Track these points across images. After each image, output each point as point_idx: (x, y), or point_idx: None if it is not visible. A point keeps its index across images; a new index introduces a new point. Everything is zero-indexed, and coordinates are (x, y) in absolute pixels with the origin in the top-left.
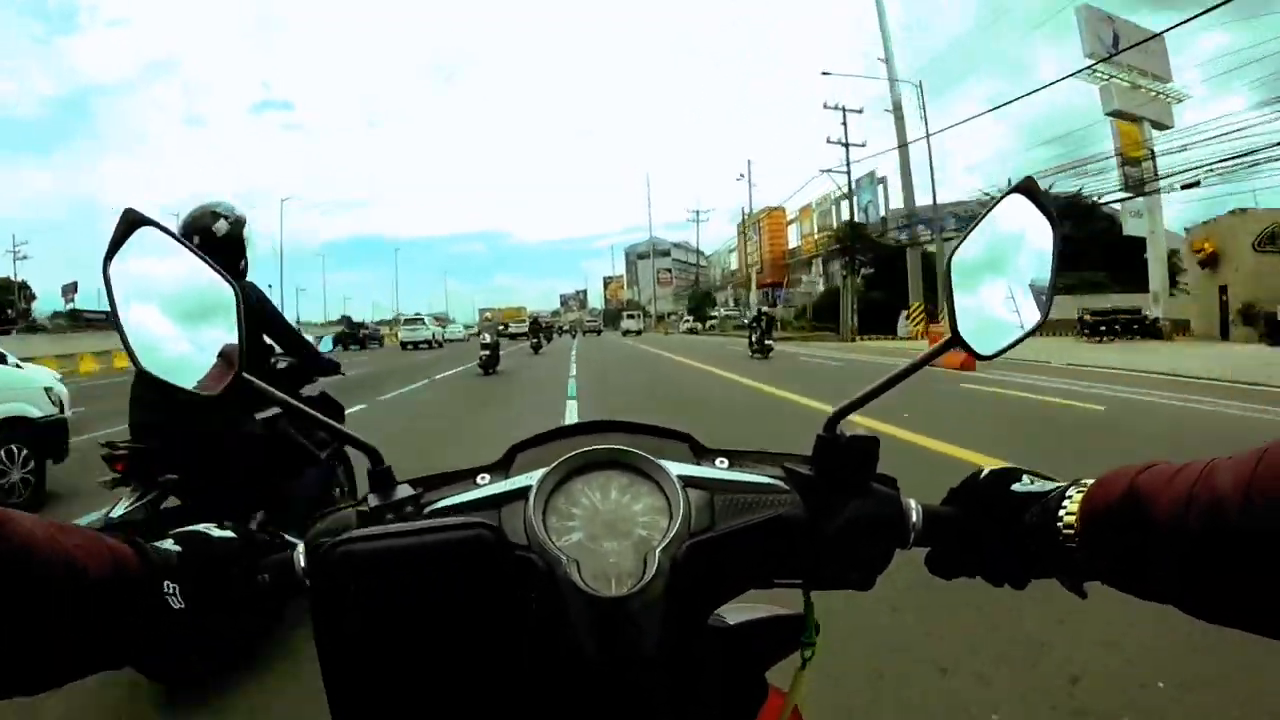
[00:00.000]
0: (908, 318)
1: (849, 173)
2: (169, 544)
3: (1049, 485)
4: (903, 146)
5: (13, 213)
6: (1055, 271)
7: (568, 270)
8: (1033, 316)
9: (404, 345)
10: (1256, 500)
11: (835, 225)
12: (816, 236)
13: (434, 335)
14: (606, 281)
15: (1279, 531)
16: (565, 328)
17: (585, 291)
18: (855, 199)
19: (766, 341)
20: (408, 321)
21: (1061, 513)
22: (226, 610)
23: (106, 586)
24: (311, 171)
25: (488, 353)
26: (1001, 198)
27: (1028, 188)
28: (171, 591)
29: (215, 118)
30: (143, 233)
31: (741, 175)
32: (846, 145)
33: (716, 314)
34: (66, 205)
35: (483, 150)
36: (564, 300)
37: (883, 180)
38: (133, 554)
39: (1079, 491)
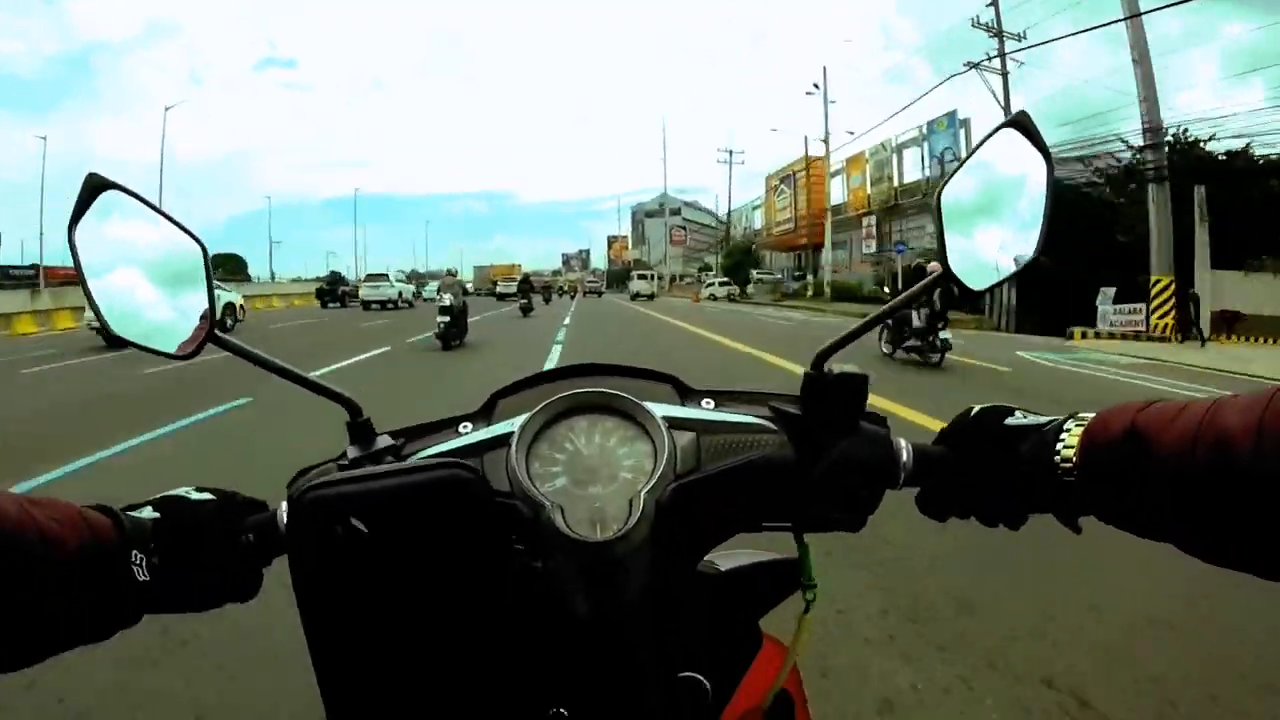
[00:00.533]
0: (1151, 299)
1: (1005, 72)
2: (147, 510)
3: (1044, 419)
4: (1136, 17)
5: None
6: (1049, 207)
7: (571, 231)
8: (1024, 252)
9: (365, 305)
10: (1266, 442)
11: (897, 178)
12: (871, 190)
13: (400, 294)
14: (610, 241)
15: None
16: (564, 288)
17: (588, 251)
18: (928, 145)
19: (941, 333)
20: (369, 278)
21: (1059, 445)
22: (203, 576)
23: (85, 558)
24: (315, 129)
25: (447, 319)
26: (994, 132)
27: (1021, 122)
28: (138, 563)
29: (217, 76)
30: (107, 196)
31: (815, 87)
32: (1000, 34)
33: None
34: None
35: (487, 110)
36: (566, 260)
37: (964, 123)
38: (109, 524)
39: (1078, 425)
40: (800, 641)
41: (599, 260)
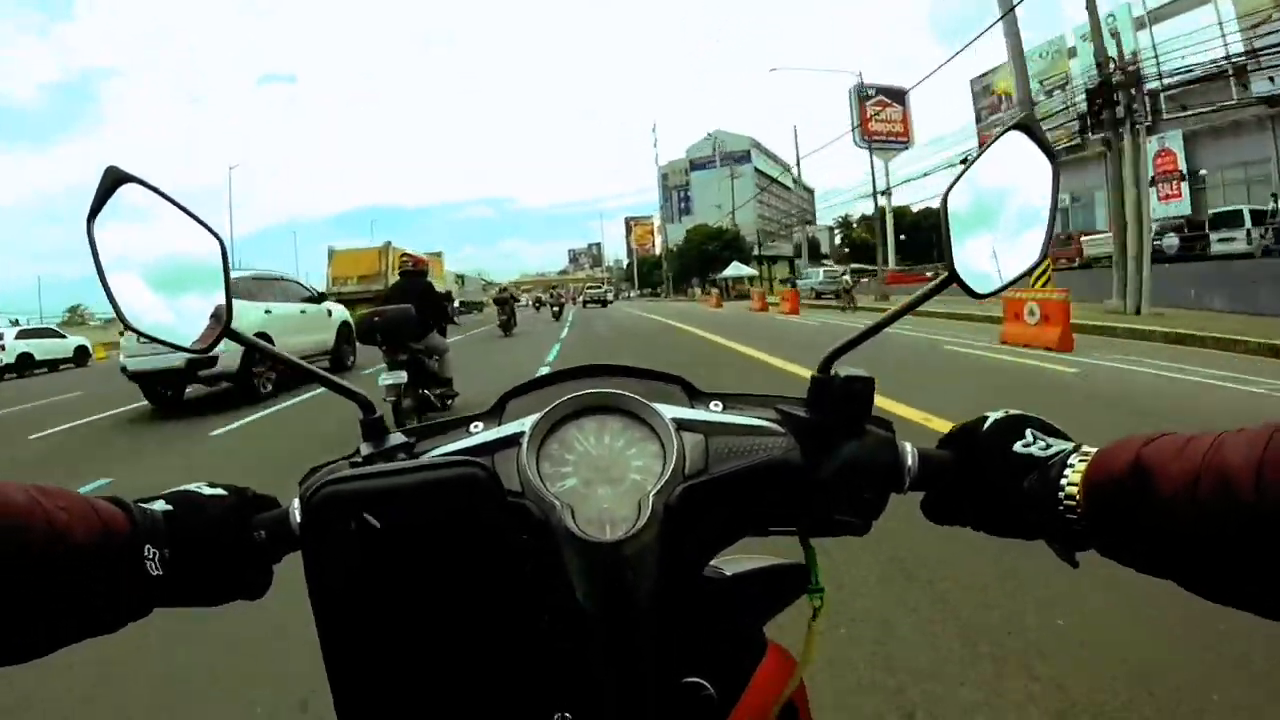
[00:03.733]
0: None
1: None
2: (159, 504)
3: (1052, 448)
4: None
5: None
6: (1054, 210)
7: (582, 232)
8: (1030, 256)
9: None
10: (1268, 478)
11: None
12: None
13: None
14: (630, 225)
15: None
16: (543, 299)
17: (599, 245)
18: None
19: None
20: None
21: (1063, 482)
22: (214, 571)
23: (94, 551)
24: (317, 144)
25: None
26: (1000, 135)
27: (1027, 125)
28: (151, 557)
29: (219, 94)
30: (126, 190)
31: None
32: None
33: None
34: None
35: (489, 117)
36: (573, 256)
37: None
38: (122, 516)
39: (1082, 460)
40: (810, 651)
41: (617, 250)
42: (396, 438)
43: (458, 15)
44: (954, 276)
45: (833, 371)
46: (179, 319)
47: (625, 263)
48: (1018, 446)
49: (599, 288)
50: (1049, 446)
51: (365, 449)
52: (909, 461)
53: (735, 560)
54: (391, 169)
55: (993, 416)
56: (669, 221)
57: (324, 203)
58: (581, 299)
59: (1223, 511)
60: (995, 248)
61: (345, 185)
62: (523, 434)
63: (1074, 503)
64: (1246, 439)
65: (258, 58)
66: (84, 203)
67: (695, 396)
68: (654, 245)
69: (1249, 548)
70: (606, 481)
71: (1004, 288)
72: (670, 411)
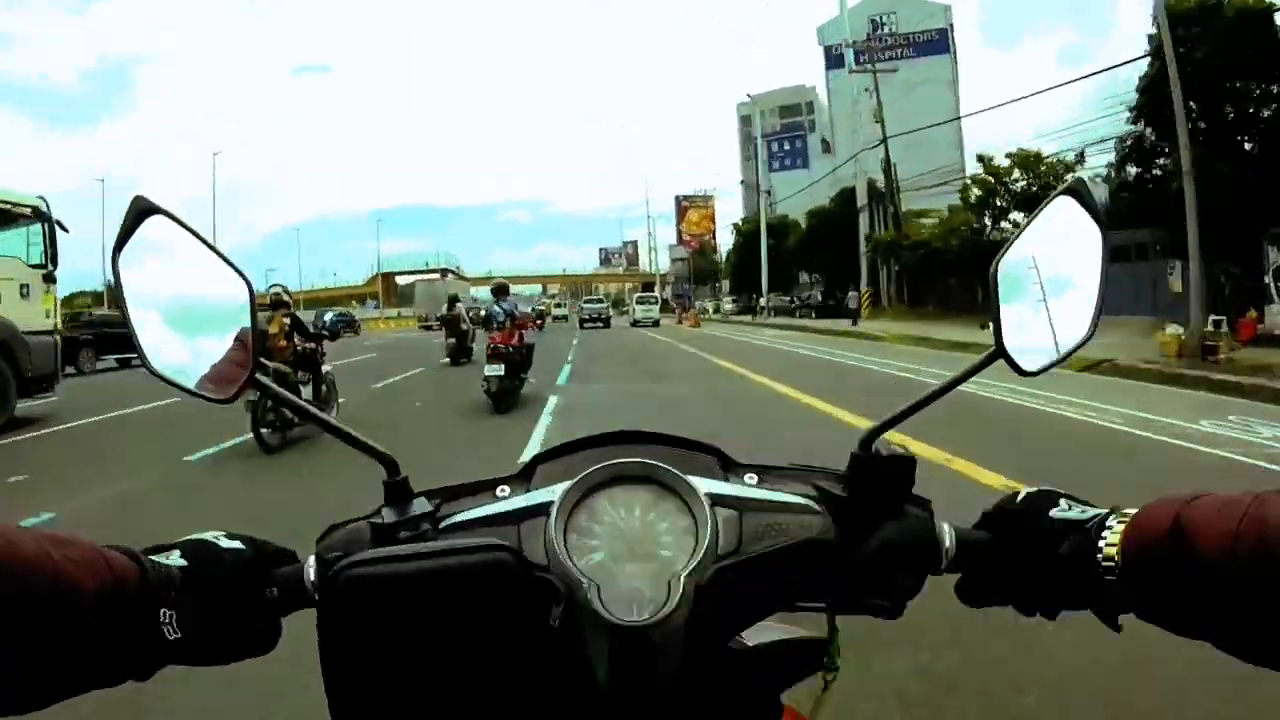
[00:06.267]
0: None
1: None
2: (175, 555)
3: (1089, 512)
4: None
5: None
6: (1105, 280)
7: (619, 236)
8: (1080, 330)
9: None
10: None
11: None
12: None
13: None
14: (682, 206)
15: None
16: (530, 312)
17: (635, 244)
18: None
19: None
20: None
21: (1102, 543)
22: (225, 629)
23: (104, 603)
24: (355, 141)
25: None
26: (1049, 201)
27: (1076, 190)
28: (167, 621)
29: (254, 83)
30: (153, 221)
31: None
32: None
33: None
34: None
35: (527, 117)
36: (605, 256)
37: None
38: (134, 569)
39: (1120, 521)
40: (818, 717)
41: (670, 234)
42: (420, 504)
43: (505, 13)
44: (1001, 352)
45: (874, 448)
46: (201, 362)
47: (681, 253)
48: (1054, 513)
49: (601, 304)
50: (1085, 511)
51: (388, 514)
52: (947, 543)
53: (758, 629)
54: (429, 168)
55: (1025, 490)
56: (763, 168)
57: (363, 199)
58: (579, 316)
59: (1261, 572)
60: (1044, 321)
61: (382, 183)
62: (551, 504)
63: (1113, 564)
64: None
65: (291, 47)
66: None
67: (730, 468)
68: (702, 231)
69: None
70: (636, 558)
71: (1052, 365)
72: (705, 485)
